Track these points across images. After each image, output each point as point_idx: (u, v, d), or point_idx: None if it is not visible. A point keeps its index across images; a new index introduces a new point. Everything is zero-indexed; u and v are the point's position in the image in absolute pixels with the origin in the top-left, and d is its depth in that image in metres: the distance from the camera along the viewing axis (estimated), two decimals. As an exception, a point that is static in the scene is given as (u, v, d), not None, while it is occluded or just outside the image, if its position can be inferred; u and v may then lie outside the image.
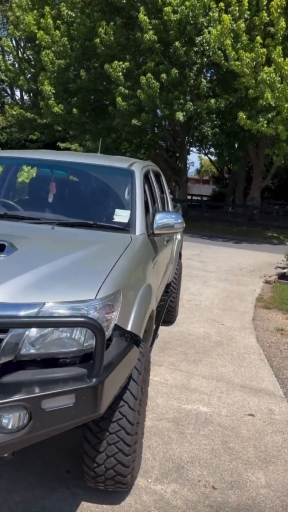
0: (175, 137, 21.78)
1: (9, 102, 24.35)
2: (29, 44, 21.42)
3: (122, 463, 2.32)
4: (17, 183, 3.82)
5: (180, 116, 15.39)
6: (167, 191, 4.93)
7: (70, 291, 2.03)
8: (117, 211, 3.09)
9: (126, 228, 2.95)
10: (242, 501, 2.63)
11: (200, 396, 3.85)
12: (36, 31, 17.59)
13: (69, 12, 16.96)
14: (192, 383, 4.07)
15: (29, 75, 21.41)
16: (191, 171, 46.07)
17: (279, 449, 3.19)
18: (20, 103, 24.62)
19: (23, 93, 25.22)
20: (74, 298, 1.99)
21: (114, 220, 3.05)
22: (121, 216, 3.05)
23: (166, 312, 5.35)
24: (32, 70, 20.12)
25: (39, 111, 19.37)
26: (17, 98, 27.14)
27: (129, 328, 2.23)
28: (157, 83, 14.91)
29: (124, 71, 15.77)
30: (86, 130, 18.58)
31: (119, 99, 15.88)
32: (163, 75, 14.98)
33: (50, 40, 17.27)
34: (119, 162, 3.59)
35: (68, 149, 19.00)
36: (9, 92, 28.08)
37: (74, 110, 17.77)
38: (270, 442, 3.26)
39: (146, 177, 3.87)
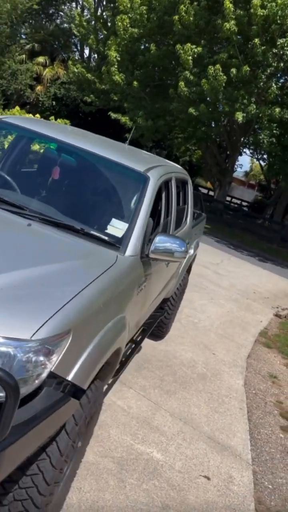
0: (230, 135, 20.93)
1: (75, 58, 23.85)
2: (110, 5, 20.78)
3: (27, 522, 1.96)
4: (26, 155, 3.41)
5: (239, 116, 14.64)
6: (190, 201, 4.44)
7: (3, 321, 1.64)
8: (114, 221, 2.65)
9: (117, 244, 2.52)
10: None
11: (159, 438, 3.46)
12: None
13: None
14: (155, 419, 3.68)
15: (101, 36, 20.86)
16: (239, 172, 44.87)
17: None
18: (85, 62, 24.12)
19: (91, 53, 24.67)
20: (3, 333, 1.59)
21: (106, 231, 2.61)
22: (116, 228, 2.62)
23: (157, 327, 4.95)
24: (105, 32, 19.52)
25: (100, 75, 18.87)
26: (85, 56, 26.65)
27: (70, 377, 1.83)
28: (224, 77, 14.17)
29: (195, 56, 15.05)
30: (141, 106, 18.00)
31: (182, 83, 15.22)
32: (233, 70, 14.19)
33: (129, 6, 16.62)
34: (137, 162, 3.12)
35: (118, 121, 18.46)
36: (78, 48, 27.59)
37: (135, 83, 17.20)
38: (216, 521, 2.85)
39: (164, 186, 3.41)
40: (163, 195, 3.45)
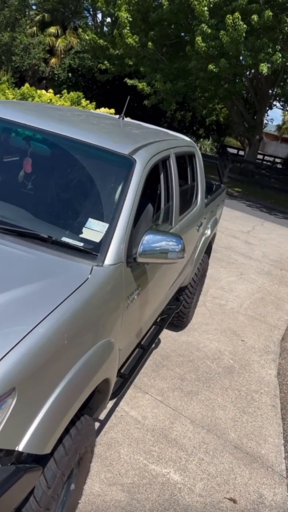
0: (256, 89, 19.55)
1: (85, 25, 22.79)
2: None
3: None
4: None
5: (264, 68, 13.47)
6: (200, 177, 3.87)
7: None
8: (91, 222, 2.17)
9: (94, 252, 2.05)
10: None
11: (178, 454, 3.07)
12: None
13: None
14: (174, 430, 3.29)
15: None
16: (271, 127, 42.65)
17: None
18: (99, 28, 22.99)
19: (104, 18, 23.47)
20: None
21: (81, 236, 2.14)
22: (93, 230, 2.13)
23: (176, 317, 4.51)
24: (114, -9, 18.33)
25: (113, 40, 17.89)
26: (98, 21, 25.44)
27: (21, 447, 1.42)
28: (245, 26, 12.98)
29: (211, 5, 13.85)
30: (158, 69, 16.99)
31: (199, 38, 14.11)
32: (254, 17, 12.96)
33: None
34: (123, 142, 2.59)
35: (135, 87, 17.55)
36: (91, 13, 26.37)
37: (150, 43, 16.18)
38: None
39: (161, 167, 2.87)
40: (161, 177, 2.92)
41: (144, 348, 3.20)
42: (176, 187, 3.05)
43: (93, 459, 2.73)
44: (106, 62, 19.04)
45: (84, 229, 2.16)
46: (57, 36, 23.40)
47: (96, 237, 2.12)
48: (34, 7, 25.32)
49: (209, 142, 28.71)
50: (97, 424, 3.12)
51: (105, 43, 18.46)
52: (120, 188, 2.30)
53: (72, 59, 23.04)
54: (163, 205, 2.90)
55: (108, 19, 21.86)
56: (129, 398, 3.50)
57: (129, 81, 17.49)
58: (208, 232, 4.42)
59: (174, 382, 3.86)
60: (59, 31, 23.49)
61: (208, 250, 5.03)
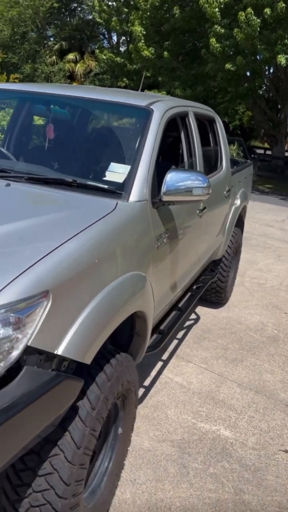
0: (277, 85, 19.39)
1: (102, 46, 23.50)
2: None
3: None
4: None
5: (282, 59, 13.36)
6: (223, 142, 3.87)
7: None
8: (113, 165, 2.22)
9: (118, 191, 2.09)
10: None
11: (227, 413, 3.00)
12: None
13: None
14: (221, 392, 3.22)
15: (123, 16, 20.24)
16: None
17: (313, 516, 2.27)
18: (115, 48, 23.63)
19: (118, 37, 24.14)
20: None
21: (105, 179, 2.19)
22: (116, 173, 2.18)
23: (214, 293, 4.46)
24: (126, 10, 18.88)
25: (130, 56, 18.32)
26: (113, 42, 26.17)
27: (60, 351, 1.44)
28: (258, 20, 12.98)
29: (222, 6, 13.97)
30: (176, 77, 17.20)
31: (213, 40, 14.22)
32: (267, 10, 12.94)
33: (144, -25, 15.87)
34: (137, 98, 2.66)
35: (155, 97, 17.84)
36: (106, 36, 27.15)
37: (165, 53, 16.45)
38: (304, 503, 2.34)
39: (180, 122, 2.90)
40: (182, 132, 2.95)
41: (182, 310, 3.18)
42: (198, 145, 3.06)
43: (140, 420, 2.73)
44: (124, 78, 19.47)
45: (107, 173, 2.21)
46: (75, 62, 24.21)
47: (119, 178, 2.16)
48: (51, 38, 26.39)
49: (234, 147, 28.63)
50: (141, 390, 3.11)
51: (122, 60, 18.92)
52: (140, 135, 2.34)
53: (91, 81, 23.71)
54: (186, 160, 2.92)
55: (123, 38, 22.46)
56: (172, 366, 3.47)
57: (148, 92, 17.79)
58: (238, 202, 4.38)
59: (217, 352, 3.79)
60: (77, 56, 24.31)
61: (240, 225, 4.97)
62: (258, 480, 2.46)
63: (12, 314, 1.30)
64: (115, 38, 26.02)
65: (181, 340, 3.89)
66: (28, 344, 1.35)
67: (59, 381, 1.44)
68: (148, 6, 16.22)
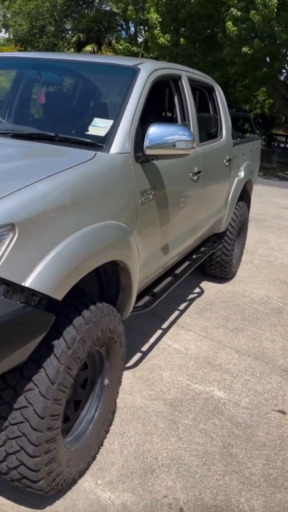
0: (298, 70, 18.95)
1: (119, 36, 23.45)
2: None
3: (27, 465, 1.68)
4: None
5: (300, 41, 13.08)
6: (223, 111, 3.83)
7: None
8: (96, 121, 2.24)
9: (99, 143, 2.12)
10: None
11: (222, 376, 3.00)
12: None
13: None
14: (218, 358, 3.22)
15: (140, 4, 20.13)
16: None
17: (281, 454, 2.27)
18: (133, 38, 23.54)
19: (135, 27, 24.02)
20: None
21: (88, 133, 2.22)
22: (99, 127, 2.21)
23: (218, 267, 4.45)
24: (141, -2, 18.76)
25: (146, 45, 18.23)
26: (131, 33, 26.08)
27: (27, 283, 1.48)
28: (275, 1, 12.70)
29: (238, -11, 13.73)
30: (193, 63, 17.02)
31: (229, 23, 14.00)
32: (284, -10, 12.67)
33: None
34: (126, 60, 2.67)
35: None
36: (124, 27, 27.08)
37: (182, 40, 16.31)
38: (293, 457, 2.34)
39: (168, 84, 2.90)
40: (175, 95, 2.95)
41: (177, 276, 3.19)
42: (192, 109, 3.05)
43: (135, 381, 2.77)
44: (141, 67, 19.40)
45: (90, 128, 2.24)
46: (93, 53, 24.24)
47: (102, 132, 2.19)
48: (69, 31, 26.49)
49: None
50: (138, 355, 3.15)
51: (139, 49, 18.83)
52: (125, 92, 2.35)
53: (110, 72, 23.73)
54: (180, 122, 2.92)
55: (141, 28, 22.34)
56: (171, 334, 3.49)
57: (165, 80, 17.70)
58: (242, 174, 4.34)
59: (218, 322, 3.79)
60: (95, 48, 24.33)
61: (246, 200, 4.93)
62: (247, 436, 2.46)
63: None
64: (133, 29, 25.96)
65: (182, 311, 3.90)
66: (-6, 272, 1.40)
67: (25, 311, 1.48)
68: (163, -8, 16.09)
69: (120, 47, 19.47)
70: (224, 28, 14.62)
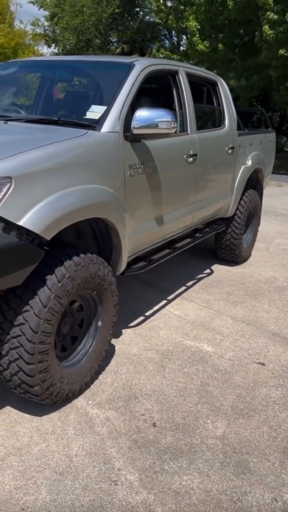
0: None
1: (160, 46, 24.10)
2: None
3: (24, 371, 2.15)
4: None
5: None
6: (225, 104, 4.20)
7: None
8: (93, 107, 2.72)
9: (93, 124, 2.58)
10: (177, 446, 2.22)
11: (214, 336, 3.36)
12: None
13: None
14: (214, 323, 3.58)
15: (180, 14, 20.70)
16: None
17: (266, 404, 2.59)
18: (176, 47, 24.13)
19: (177, 35, 24.61)
20: None
21: (84, 117, 2.70)
22: (94, 112, 2.68)
23: (228, 250, 4.78)
24: (181, 7, 19.33)
25: (186, 52, 18.75)
26: (175, 41, 26.70)
27: (21, 222, 1.96)
28: (311, 3, 12.82)
29: (274, -7, 13.94)
30: (231, 68, 17.33)
31: (266, 27, 14.22)
32: None
33: None
34: (127, 59, 3.14)
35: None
36: (167, 36, 27.77)
37: (220, 45, 16.66)
38: (261, 395, 2.67)
39: (167, 78, 3.33)
40: (173, 88, 3.38)
41: (176, 249, 3.59)
42: (189, 99, 3.46)
43: (134, 336, 3.19)
44: (182, 74, 19.95)
45: (88, 113, 2.72)
46: (137, 63, 25.09)
47: (96, 116, 2.65)
48: (114, 43, 27.52)
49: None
50: (141, 318, 3.56)
51: (179, 57, 19.39)
52: (119, 83, 2.81)
53: (152, 80, 24.45)
54: (177, 111, 3.34)
55: (183, 36, 22.89)
56: (175, 304, 3.88)
57: (204, 85, 18.13)
58: (249, 163, 4.66)
59: (220, 295, 4.13)
60: (138, 58, 25.18)
61: (259, 188, 5.23)
62: (225, 379, 2.81)
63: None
64: (175, 38, 26.57)
65: (189, 287, 4.28)
66: (-6, 213, 1.89)
67: (19, 244, 1.96)
68: (202, 0, 16.56)
69: (161, 56, 20.09)
70: (261, 32, 14.84)
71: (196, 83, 3.86)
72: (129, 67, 2.92)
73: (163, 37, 27.34)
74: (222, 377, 2.83)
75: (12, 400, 2.47)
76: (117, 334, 3.24)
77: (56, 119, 2.63)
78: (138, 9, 28.31)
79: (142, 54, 25.67)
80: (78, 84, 3.24)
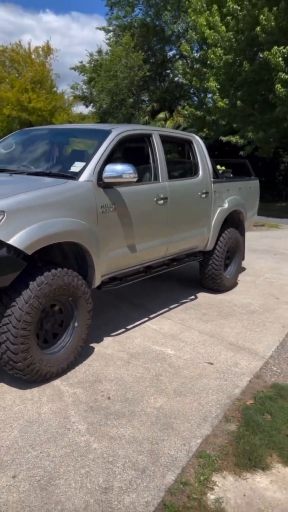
0: None
1: (185, 103, 25.88)
2: (204, 47, 22.44)
3: (10, 350, 2.97)
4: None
5: None
6: (199, 157, 5.09)
7: None
8: (76, 163, 3.67)
9: (73, 176, 3.52)
10: (122, 411, 2.93)
11: (179, 344, 4.07)
12: (207, 31, 18.48)
13: (235, 6, 17.23)
14: (183, 335, 4.29)
15: (204, 74, 22.45)
16: None
17: (203, 389, 3.26)
18: (203, 104, 25.87)
19: (203, 94, 26.41)
20: None
21: (69, 170, 3.65)
22: (76, 167, 3.63)
23: (210, 279, 5.51)
24: (204, 69, 21.06)
25: (209, 109, 20.23)
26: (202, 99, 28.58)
27: (10, 241, 2.86)
28: None
29: (285, 55, 15.23)
30: (250, 122, 18.54)
31: (278, 86, 15.43)
32: None
33: (217, 37, 17.92)
34: (108, 126, 4.13)
35: (229, 142, 19.34)
36: (196, 94, 29.80)
37: (239, 102, 17.98)
38: (201, 383, 3.34)
39: (139, 139, 4.29)
40: (149, 147, 4.33)
41: (148, 272, 4.39)
42: (161, 155, 4.38)
43: (112, 342, 3.96)
44: (205, 129, 21.36)
45: (72, 167, 3.66)
46: (165, 119, 26.95)
47: (77, 169, 3.59)
48: (145, 102, 29.78)
49: None
50: (122, 330, 4.33)
51: (202, 113, 20.90)
52: (98, 145, 3.77)
53: (180, 134, 26.13)
54: (151, 164, 4.26)
55: (206, 95, 24.63)
56: (154, 321, 4.63)
57: (224, 138, 19.35)
58: (226, 205, 5.48)
59: (196, 315, 4.84)
60: (167, 115, 27.09)
61: (240, 228, 6.00)
62: (176, 372, 3.51)
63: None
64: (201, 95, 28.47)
65: (171, 309, 5.02)
66: (-11, 235, 2.80)
67: (8, 255, 2.84)
68: (221, 63, 18.13)
69: (186, 112, 21.71)
70: (275, 90, 16.05)
71: (173, 142, 4.80)
72: (107, 133, 3.89)
73: (192, 95, 29.37)
74: (174, 371, 3.53)
75: (5, 379, 3.28)
76: (99, 340, 4.03)
77: (48, 172, 3.61)
78: (168, 71, 30.73)
79: (171, 111, 27.59)
80: (69, 145, 4.24)
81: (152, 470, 2.40)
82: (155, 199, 4.24)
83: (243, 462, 2.50)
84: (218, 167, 9.00)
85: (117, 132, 3.93)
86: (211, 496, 2.25)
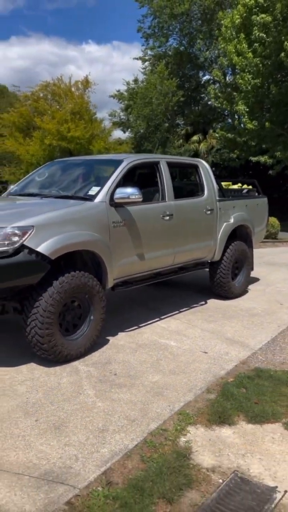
0: None
1: (217, 126, 26.71)
2: (235, 71, 23.32)
3: (38, 334, 3.80)
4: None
5: None
6: (204, 179, 5.84)
7: (8, 220, 3.74)
8: (93, 188, 4.54)
9: (90, 198, 4.38)
10: (124, 383, 3.67)
11: (181, 338, 4.77)
12: (235, 58, 19.38)
13: (261, 34, 18.05)
14: (186, 331, 4.98)
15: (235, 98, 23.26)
16: None
17: (194, 370, 3.94)
18: (237, 126, 26.64)
19: (235, 116, 27.18)
20: (4, 224, 3.68)
21: (87, 193, 4.52)
22: (93, 191, 4.49)
23: (219, 286, 6.18)
24: (235, 93, 21.89)
25: (238, 131, 20.97)
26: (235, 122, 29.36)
27: (38, 248, 3.72)
28: None
29: (310, 78, 15.81)
30: (279, 142, 19.08)
31: (303, 106, 15.97)
32: None
33: (245, 63, 18.77)
34: (121, 156, 4.99)
35: (258, 162, 19.90)
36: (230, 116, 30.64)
37: (267, 124, 18.62)
38: (193, 366, 4.02)
39: (147, 167, 5.12)
40: (157, 172, 5.15)
41: (157, 277, 5.15)
42: (168, 179, 5.18)
43: (123, 337, 4.73)
44: (236, 150, 22.07)
45: (89, 191, 4.53)
46: (199, 142, 27.90)
47: (94, 192, 4.46)
48: (180, 125, 30.93)
49: None
50: (134, 327, 5.08)
51: (233, 135, 21.65)
52: (111, 173, 4.63)
53: (213, 156, 26.89)
54: (159, 186, 5.07)
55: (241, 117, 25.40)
56: (164, 321, 5.35)
57: (253, 159, 19.97)
58: (231, 220, 6.18)
59: (202, 317, 5.52)
60: (200, 137, 28.04)
61: (248, 241, 6.64)
62: (174, 357, 4.21)
63: (17, 230, 3.66)
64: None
65: (181, 311, 5.73)
66: (24, 242, 3.67)
67: (35, 259, 3.70)
68: (249, 87, 18.91)
69: (217, 135, 22.53)
70: (301, 110, 16.60)
71: (180, 167, 5.60)
72: (119, 162, 4.75)
73: (226, 117, 30.25)
74: (173, 357, 4.23)
75: (35, 359, 4.10)
76: (114, 334, 4.80)
77: (71, 195, 4.50)
78: (203, 95, 31.84)
79: (205, 133, 28.51)
80: (89, 173, 5.16)
81: (140, 421, 3.11)
82: (161, 215, 5.02)
83: (214, 419, 3.17)
84: (245, 186, 9.69)
85: (128, 161, 4.78)
86: (183, 439, 2.94)
